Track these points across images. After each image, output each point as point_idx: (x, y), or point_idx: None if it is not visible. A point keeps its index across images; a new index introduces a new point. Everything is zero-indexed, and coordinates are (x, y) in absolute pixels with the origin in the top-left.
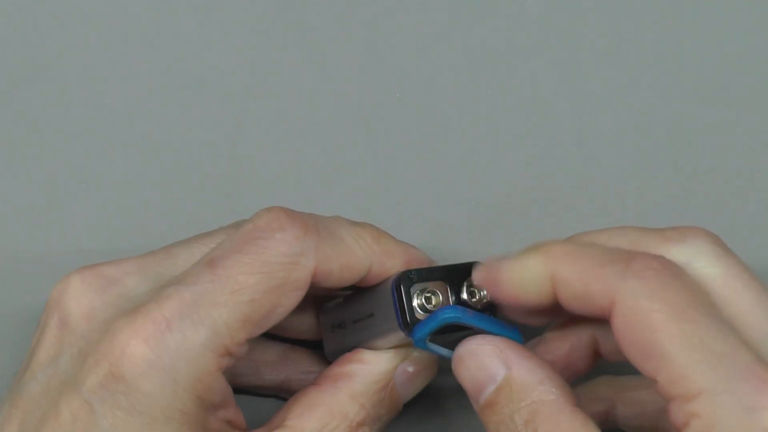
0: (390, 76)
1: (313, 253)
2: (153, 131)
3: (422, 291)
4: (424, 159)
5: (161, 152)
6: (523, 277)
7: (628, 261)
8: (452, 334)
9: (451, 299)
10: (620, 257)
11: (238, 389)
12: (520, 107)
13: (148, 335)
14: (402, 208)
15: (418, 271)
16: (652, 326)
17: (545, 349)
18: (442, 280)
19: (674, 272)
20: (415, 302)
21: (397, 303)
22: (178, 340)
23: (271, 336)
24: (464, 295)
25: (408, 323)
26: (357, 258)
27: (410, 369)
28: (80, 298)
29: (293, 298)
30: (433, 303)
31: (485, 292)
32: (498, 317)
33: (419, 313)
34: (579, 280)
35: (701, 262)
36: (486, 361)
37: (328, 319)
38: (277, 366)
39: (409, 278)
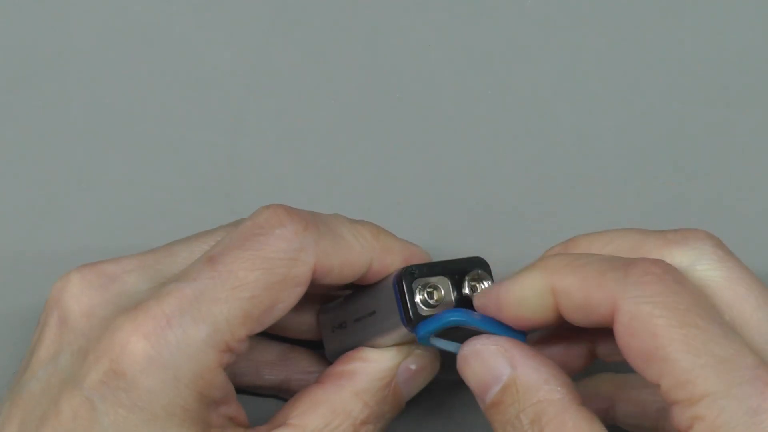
0: (390, 76)
1: (313, 249)
2: (153, 131)
3: (424, 286)
4: (424, 159)
5: (161, 152)
6: (523, 296)
7: (627, 267)
8: (456, 331)
9: (453, 294)
10: (619, 264)
11: (238, 389)
12: (520, 107)
13: (148, 332)
14: (402, 208)
15: (420, 266)
16: (655, 331)
17: (540, 347)
18: (443, 275)
19: (675, 276)
20: (418, 298)
21: (400, 299)
22: (179, 336)
23: (271, 336)
24: (466, 290)
25: (411, 319)
26: (357, 254)
27: (413, 367)
28: (80, 296)
29: (294, 294)
30: (436, 298)
31: (487, 286)
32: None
33: (422, 309)
34: (580, 289)
35: (703, 264)
36: (491, 361)
37: (328, 320)
38: (276, 366)
39: (411, 274)
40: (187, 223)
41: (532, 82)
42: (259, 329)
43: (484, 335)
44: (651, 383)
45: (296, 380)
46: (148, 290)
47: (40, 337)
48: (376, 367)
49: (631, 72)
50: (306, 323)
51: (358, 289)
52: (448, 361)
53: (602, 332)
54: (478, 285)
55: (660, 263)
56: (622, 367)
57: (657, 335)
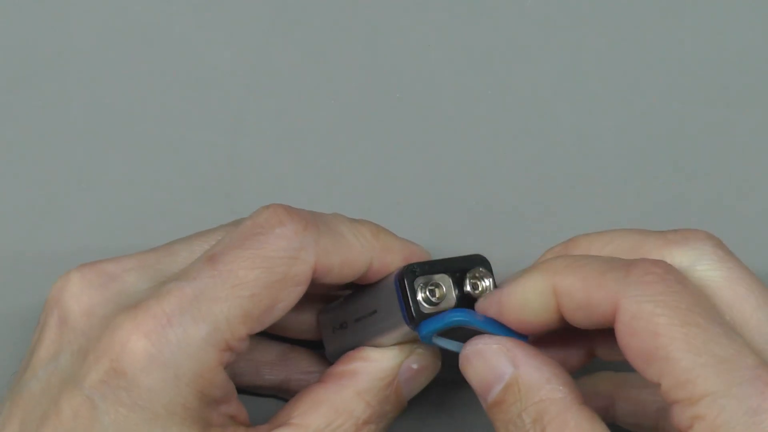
0: (390, 76)
1: (313, 248)
2: (153, 131)
3: (426, 284)
4: (424, 159)
5: (161, 152)
6: (525, 297)
7: (629, 267)
8: (457, 330)
9: (455, 292)
10: (621, 264)
11: (238, 389)
12: (520, 107)
13: (149, 330)
14: (402, 208)
15: (421, 264)
16: (656, 330)
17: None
18: (444, 272)
19: (676, 276)
20: (420, 296)
21: (402, 297)
22: (179, 334)
23: (271, 336)
24: (467, 287)
25: (413, 316)
26: (357, 253)
27: (414, 366)
28: (80, 295)
29: (294, 293)
30: (437, 295)
31: (487, 284)
32: None
33: (424, 307)
34: (581, 289)
35: (704, 265)
36: (493, 360)
37: (329, 321)
38: (276, 366)
39: (412, 272)
40: (187, 223)
41: (532, 82)
42: (259, 328)
43: (486, 335)
44: (651, 383)
45: (296, 380)
46: (148, 289)
47: (40, 337)
48: (377, 366)
49: (631, 72)
50: (306, 323)
51: (359, 288)
52: (448, 360)
53: (601, 332)
54: (479, 282)
55: (661, 263)
56: (622, 366)
57: (658, 334)
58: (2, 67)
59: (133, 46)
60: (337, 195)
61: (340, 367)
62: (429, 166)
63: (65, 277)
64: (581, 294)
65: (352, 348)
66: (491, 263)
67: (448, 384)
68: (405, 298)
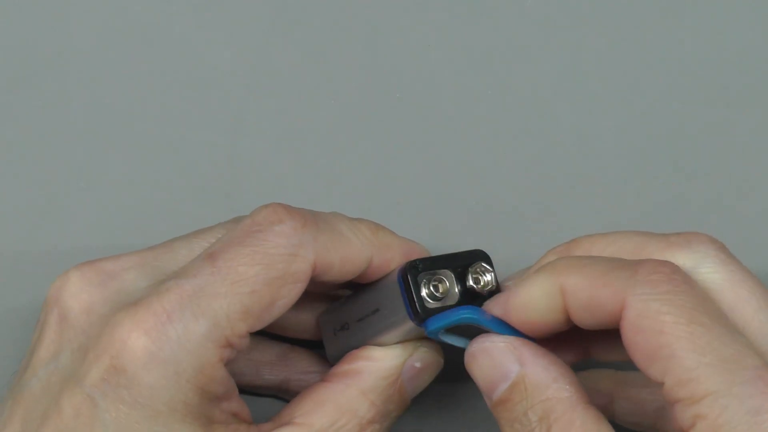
0: (390, 76)
1: (312, 245)
2: (153, 131)
3: (429, 280)
4: (424, 159)
5: (161, 152)
6: (532, 297)
7: (636, 266)
8: (462, 327)
9: (457, 287)
10: (628, 263)
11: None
12: (520, 107)
13: (149, 327)
14: (402, 208)
15: (424, 260)
16: (662, 328)
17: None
18: (446, 268)
19: (683, 276)
20: (424, 291)
21: (405, 293)
22: (180, 331)
23: (271, 336)
24: (470, 282)
25: (418, 312)
26: (357, 250)
27: (417, 364)
28: (79, 294)
29: (294, 290)
30: (441, 291)
31: (489, 278)
32: None
33: (428, 302)
34: (588, 288)
35: (706, 267)
36: (500, 359)
37: (329, 323)
38: (276, 366)
39: (415, 267)
40: (187, 222)
41: (532, 82)
42: (259, 326)
43: (493, 333)
44: (654, 381)
45: (296, 380)
46: (147, 287)
47: (41, 336)
48: (381, 365)
49: (631, 72)
50: (306, 323)
51: (359, 288)
52: (449, 357)
53: (597, 333)
54: (480, 277)
55: (668, 263)
56: (619, 366)
57: (663, 332)
58: (2, 67)
59: (133, 46)
60: (337, 195)
61: (343, 366)
62: (429, 166)
63: (64, 276)
64: (588, 293)
65: (355, 348)
66: (493, 271)
67: (449, 382)
68: (409, 294)
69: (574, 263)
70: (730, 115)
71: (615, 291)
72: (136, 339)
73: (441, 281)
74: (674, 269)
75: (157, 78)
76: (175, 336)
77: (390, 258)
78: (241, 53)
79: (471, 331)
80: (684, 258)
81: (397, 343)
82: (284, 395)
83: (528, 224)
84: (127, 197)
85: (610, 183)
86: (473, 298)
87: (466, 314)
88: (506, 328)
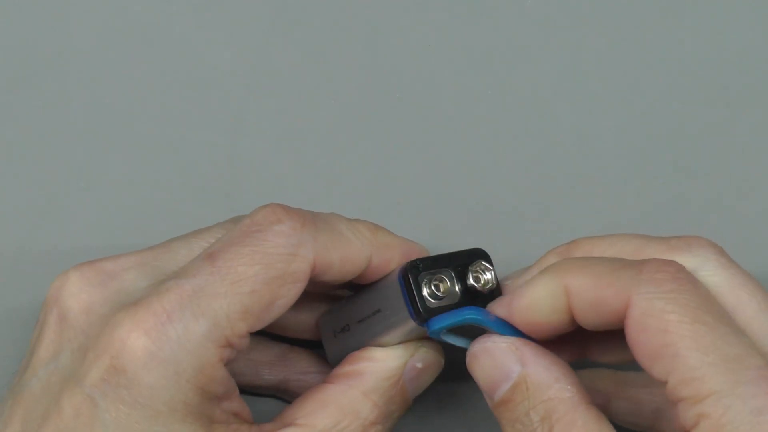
0: (390, 76)
1: (311, 244)
2: (153, 131)
3: (430, 279)
4: (424, 159)
5: (161, 152)
6: (537, 297)
7: (641, 265)
8: (464, 327)
9: (458, 286)
10: (632, 263)
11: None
12: (520, 107)
13: (148, 327)
14: (402, 208)
15: (424, 260)
16: (666, 327)
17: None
18: (447, 267)
19: (687, 276)
20: (425, 291)
21: (407, 293)
22: (179, 331)
23: (271, 336)
24: (470, 281)
25: (420, 311)
26: (356, 249)
27: (419, 365)
28: (79, 294)
29: (293, 290)
30: (442, 290)
31: (489, 277)
32: None
33: (430, 301)
34: (593, 287)
35: (707, 270)
36: (501, 359)
37: (329, 326)
38: (275, 366)
39: (416, 267)
40: (187, 222)
41: (532, 82)
42: (259, 326)
43: (494, 334)
44: (657, 380)
45: (295, 380)
46: (147, 287)
47: (40, 336)
48: (383, 366)
49: (631, 72)
50: (306, 323)
51: (360, 290)
52: (449, 357)
53: (593, 335)
54: (480, 276)
55: (672, 263)
56: (615, 367)
57: (668, 331)
58: (2, 67)
59: (133, 46)
60: (337, 195)
61: (345, 368)
62: (429, 166)
63: (64, 276)
64: (593, 292)
65: (356, 350)
66: (493, 269)
67: (450, 381)
68: (411, 294)
69: (579, 263)
70: (730, 115)
71: (620, 290)
72: (136, 339)
73: (442, 280)
74: (679, 268)
75: (157, 78)
76: (175, 336)
77: (389, 258)
78: (241, 53)
79: (473, 331)
80: (684, 261)
81: (399, 343)
82: (283, 395)
83: (528, 224)
84: (127, 197)
85: (610, 183)
86: (474, 296)
87: (469, 315)
88: (509, 329)
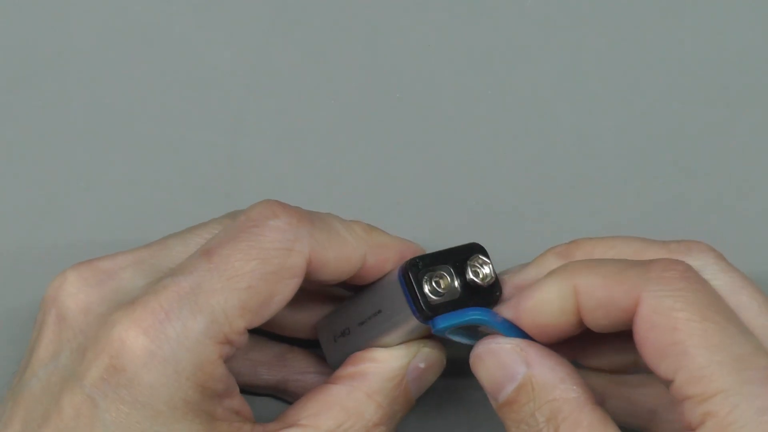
0: (390, 76)
1: (307, 240)
2: (153, 131)
3: (431, 276)
4: (424, 159)
5: (161, 152)
6: (545, 298)
7: (649, 264)
8: (469, 326)
9: (457, 281)
10: (640, 262)
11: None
12: (520, 107)
13: (147, 326)
14: (402, 208)
15: (423, 257)
16: (675, 325)
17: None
18: (445, 263)
19: (695, 275)
20: (426, 288)
21: (408, 291)
22: (178, 329)
23: (269, 336)
24: (470, 275)
25: (423, 309)
26: (351, 248)
27: (422, 365)
28: (77, 294)
29: (290, 285)
30: (443, 286)
31: (488, 271)
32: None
33: (432, 299)
34: (602, 287)
35: (707, 274)
36: (506, 360)
37: (328, 331)
38: (274, 366)
39: (415, 265)
40: (187, 222)
41: (532, 82)
42: (257, 322)
43: (499, 335)
44: (663, 379)
45: (294, 380)
46: (144, 285)
47: (39, 336)
48: (386, 366)
49: (631, 72)
50: (304, 323)
51: (359, 292)
52: (451, 357)
53: (590, 336)
54: (479, 270)
55: (681, 262)
56: None
57: (677, 329)
58: (2, 67)
59: (133, 46)
60: (337, 195)
61: (349, 369)
62: (429, 166)
63: (61, 276)
64: (602, 292)
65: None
66: (491, 263)
67: (451, 381)
68: (412, 292)
69: (587, 264)
70: (730, 115)
71: (629, 288)
72: (134, 338)
73: (442, 277)
74: (687, 267)
75: (157, 78)
76: (174, 334)
77: (385, 257)
78: (241, 53)
79: (476, 331)
80: None
81: (401, 343)
82: (282, 395)
83: (528, 224)
84: (127, 197)
85: (610, 183)
86: (474, 291)
87: (475, 315)
88: (515, 330)
